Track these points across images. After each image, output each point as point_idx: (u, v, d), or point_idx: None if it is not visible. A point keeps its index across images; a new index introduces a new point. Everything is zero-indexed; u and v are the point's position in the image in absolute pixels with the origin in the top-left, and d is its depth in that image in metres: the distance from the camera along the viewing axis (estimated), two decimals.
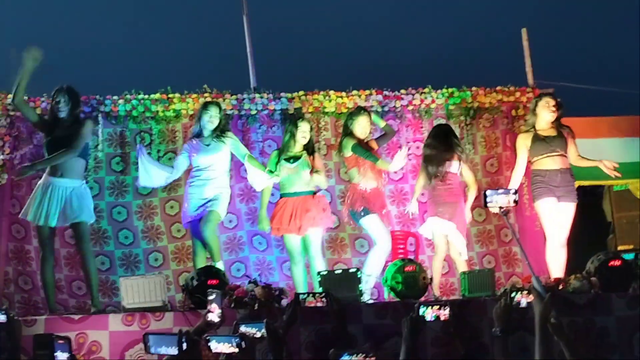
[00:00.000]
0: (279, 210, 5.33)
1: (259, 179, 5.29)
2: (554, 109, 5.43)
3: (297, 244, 5.32)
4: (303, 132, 5.38)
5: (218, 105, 5.45)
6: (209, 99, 5.99)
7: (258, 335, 3.42)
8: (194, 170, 5.33)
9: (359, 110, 5.62)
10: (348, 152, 5.45)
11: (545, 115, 5.45)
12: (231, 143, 5.33)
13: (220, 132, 5.31)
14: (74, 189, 4.85)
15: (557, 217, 5.32)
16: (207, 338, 3.23)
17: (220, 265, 5.10)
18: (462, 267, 5.39)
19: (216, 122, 5.32)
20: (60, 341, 3.41)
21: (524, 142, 5.50)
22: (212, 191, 5.22)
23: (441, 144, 5.46)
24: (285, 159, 5.36)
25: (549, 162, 5.38)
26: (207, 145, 5.30)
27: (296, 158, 5.35)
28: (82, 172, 4.99)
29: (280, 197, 5.42)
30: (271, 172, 5.29)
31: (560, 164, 5.38)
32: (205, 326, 3.54)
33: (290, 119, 5.65)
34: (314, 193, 5.39)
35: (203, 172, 5.27)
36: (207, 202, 5.19)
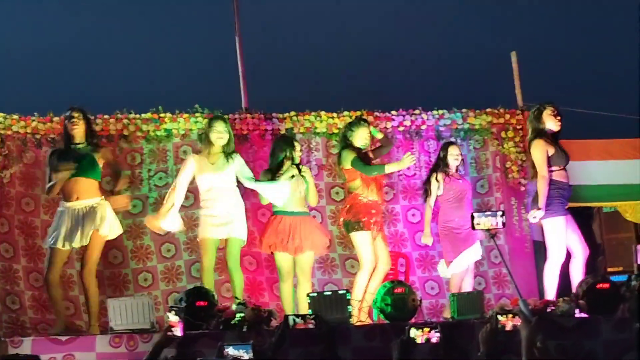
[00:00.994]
0: (274, 227, 5.28)
1: (277, 191, 5.22)
2: (559, 118, 5.32)
3: (289, 262, 5.30)
4: (299, 153, 5.45)
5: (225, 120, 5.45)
6: (199, 119, 6.03)
7: (245, 357, 3.41)
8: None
9: (358, 120, 5.59)
10: (347, 164, 5.40)
11: (551, 125, 5.30)
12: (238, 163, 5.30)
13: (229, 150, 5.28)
14: (91, 206, 4.98)
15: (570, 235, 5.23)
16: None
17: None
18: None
19: (226, 137, 5.29)
20: None
21: (544, 149, 5.20)
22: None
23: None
24: (280, 177, 5.36)
25: (565, 175, 5.26)
26: (213, 163, 5.26)
27: (291, 177, 5.35)
28: (97, 192, 5.09)
29: (273, 214, 5.39)
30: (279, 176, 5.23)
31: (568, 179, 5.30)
32: (164, 341, 3.53)
33: (284, 139, 5.64)
34: (308, 214, 5.40)
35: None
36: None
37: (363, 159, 5.39)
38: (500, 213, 3.86)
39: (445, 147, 5.71)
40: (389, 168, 5.46)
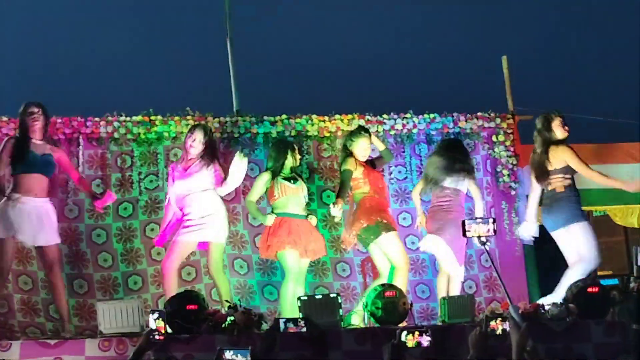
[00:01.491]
0: (284, 228, 5.27)
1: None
2: (567, 128, 5.43)
3: (298, 260, 5.27)
4: (298, 157, 5.51)
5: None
6: (191, 121, 6.01)
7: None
8: None
9: (359, 130, 5.57)
10: (345, 167, 5.42)
11: (560, 134, 5.40)
12: None
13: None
14: (44, 208, 4.91)
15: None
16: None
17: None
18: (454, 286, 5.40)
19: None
20: None
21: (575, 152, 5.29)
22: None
23: (451, 155, 5.50)
24: (283, 178, 5.36)
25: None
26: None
27: (295, 179, 5.37)
28: (47, 191, 5.02)
29: (277, 216, 5.38)
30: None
31: None
32: (146, 345, 3.51)
33: (286, 142, 5.68)
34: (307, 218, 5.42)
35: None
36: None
37: (348, 178, 5.35)
38: (491, 220, 3.84)
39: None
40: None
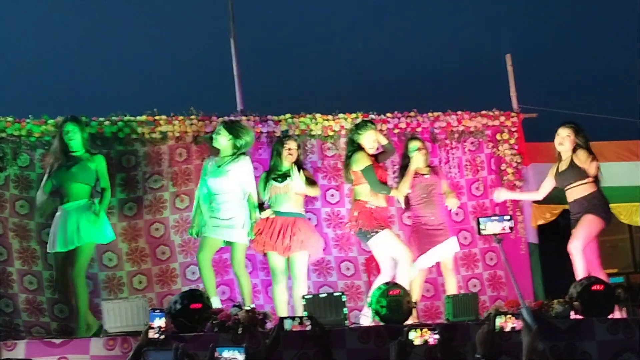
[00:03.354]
0: (266, 227, 5.27)
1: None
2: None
3: (281, 262, 5.28)
4: (289, 150, 5.37)
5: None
6: (195, 121, 6.02)
7: (240, 358, 3.40)
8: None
9: (364, 123, 5.48)
10: (358, 167, 5.32)
11: None
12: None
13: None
14: (80, 209, 5.09)
15: None
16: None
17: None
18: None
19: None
20: None
21: None
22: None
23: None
24: (273, 178, 5.35)
25: None
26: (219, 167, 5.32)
27: (284, 177, 5.33)
28: (88, 195, 5.20)
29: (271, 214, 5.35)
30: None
31: None
32: (145, 343, 3.52)
33: (277, 139, 5.65)
34: (303, 216, 5.37)
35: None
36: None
37: (375, 171, 5.30)
38: (507, 217, 3.71)
39: (406, 143, 5.70)
40: (394, 193, 5.39)
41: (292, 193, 5.31)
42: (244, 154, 5.35)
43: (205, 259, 5.20)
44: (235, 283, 5.89)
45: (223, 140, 5.34)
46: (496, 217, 3.74)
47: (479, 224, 3.73)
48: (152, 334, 3.50)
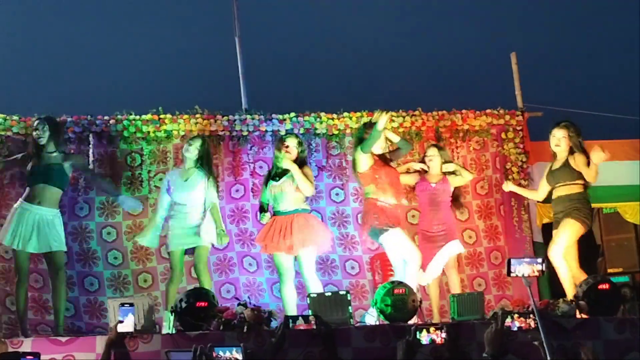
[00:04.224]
0: (268, 228, 5.24)
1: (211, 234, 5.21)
2: None
3: (287, 262, 5.20)
4: (286, 148, 5.27)
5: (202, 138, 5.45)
6: (200, 120, 6.02)
7: (239, 358, 3.41)
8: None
9: (372, 123, 5.36)
10: (362, 168, 5.29)
11: None
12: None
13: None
14: (50, 218, 4.91)
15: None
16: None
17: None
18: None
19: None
20: (29, 357, 3.36)
21: None
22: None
23: None
24: (271, 178, 5.32)
25: None
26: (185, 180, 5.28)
27: (282, 175, 5.28)
28: (57, 202, 5.04)
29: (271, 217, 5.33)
30: (222, 231, 5.23)
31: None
32: (115, 338, 3.52)
33: (277, 140, 5.62)
34: (305, 211, 5.30)
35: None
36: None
37: (379, 173, 5.24)
38: (540, 260, 3.46)
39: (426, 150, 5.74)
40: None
41: (290, 190, 5.22)
42: (206, 166, 5.32)
43: (178, 276, 5.21)
44: (239, 282, 5.92)
45: (194, 152, 5.32)
46: (527, 260, 3.51)
47: (509, 265, 3.49)
48: (121, 329, 3.48)
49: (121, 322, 3.50)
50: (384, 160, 5.37)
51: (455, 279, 5.51)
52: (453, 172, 5.61)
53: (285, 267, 5.21)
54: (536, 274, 3.49)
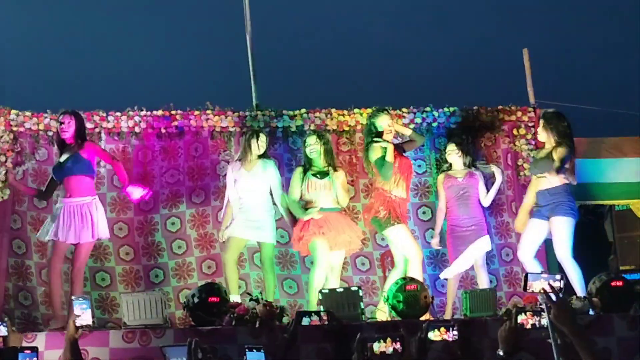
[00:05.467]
0: (314, 220, 5.25)
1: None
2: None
3: (328, 250, 5.23)
4: (309, 147, 5.40)
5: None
6: (211, 116, 6.03)
7: None
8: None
9: (377, 110, 5.54)
10: (372, 158, 5.35)
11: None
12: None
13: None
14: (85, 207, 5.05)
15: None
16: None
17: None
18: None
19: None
20: (27, 351, 3.36)
21: None
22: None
23: None
24: (312, 174, 5.35)
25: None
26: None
27: (324, 174, 5.33)
28: (92, 189, 5.20)
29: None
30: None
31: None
32: (74, 332, 3.51)
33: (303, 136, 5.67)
34: (340, 210, 5.38)
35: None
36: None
37: (385, 160, 5.27)
38: (558, 276, 3.21)
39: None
40: (386, 184, 5.31)
41: (327, 189, 5.32)
42: (270, 158, 5.48)
43: (232, 259, 5.30)
44: (250, 278, 5.92)
45: (262, 145, 5.43)
46: (545, 275, 3.27)
47: (526, 280, 3.27)
48: (79, 322, 3.48)
49: (77, 316, 3.49)
50: (398, 150, 5.41)
51: (485, 277, 5.53)
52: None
53: (327, 255, 5.23)
54: (549, 290, 3.19)
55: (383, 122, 5.43)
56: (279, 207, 5.45)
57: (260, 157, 5.43)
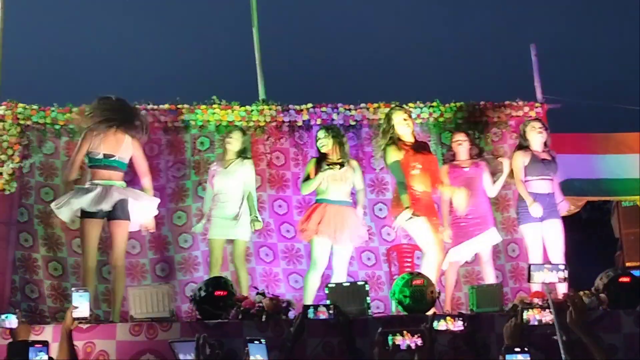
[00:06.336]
0: (317, 213, 5.25)
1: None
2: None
3: (327, 250, 5.25)
4: (320, 142, 5.42)
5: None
6: (217, 110, 6.04)
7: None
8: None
9: (392, 108, 5.49)
10: (387, 161, 5.32)
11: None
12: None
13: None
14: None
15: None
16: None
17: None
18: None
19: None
20: (37, 345, 3.38)
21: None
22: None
23: None
24: (328, 165, 5.32)
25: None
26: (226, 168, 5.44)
27: (340, 165, 5.32)
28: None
29: (317, 202, 5.35)
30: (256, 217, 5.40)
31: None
32: (71, 323, 3.52)
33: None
34: (349, 204, 5.37)
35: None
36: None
37: (399, 171, 5.24)
38: (562, 266, 3.21)
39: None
40: (405, 200, 5.22)
41: (341, 182, 5.30)
42: (248, 157, 5.51)
43: (215, 261, 5.36)
44: (256, 272, 5.93)
45: (236, 144, 5.46)
46: (548, 266, 3.24)
47: (529, 271, 3.26)
48: (75, 314, 3.49)
49: (75, 308, 3.50)
50: (421, 147, 5.38)
51: (491, 272, 5.51)
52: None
53: (324, 255, 5.24)
54: (555, 280, 3.27)
55: (398, 117, 5.39)
56: (245, 202, 5.41)
57: (239, 155, 5.46)
